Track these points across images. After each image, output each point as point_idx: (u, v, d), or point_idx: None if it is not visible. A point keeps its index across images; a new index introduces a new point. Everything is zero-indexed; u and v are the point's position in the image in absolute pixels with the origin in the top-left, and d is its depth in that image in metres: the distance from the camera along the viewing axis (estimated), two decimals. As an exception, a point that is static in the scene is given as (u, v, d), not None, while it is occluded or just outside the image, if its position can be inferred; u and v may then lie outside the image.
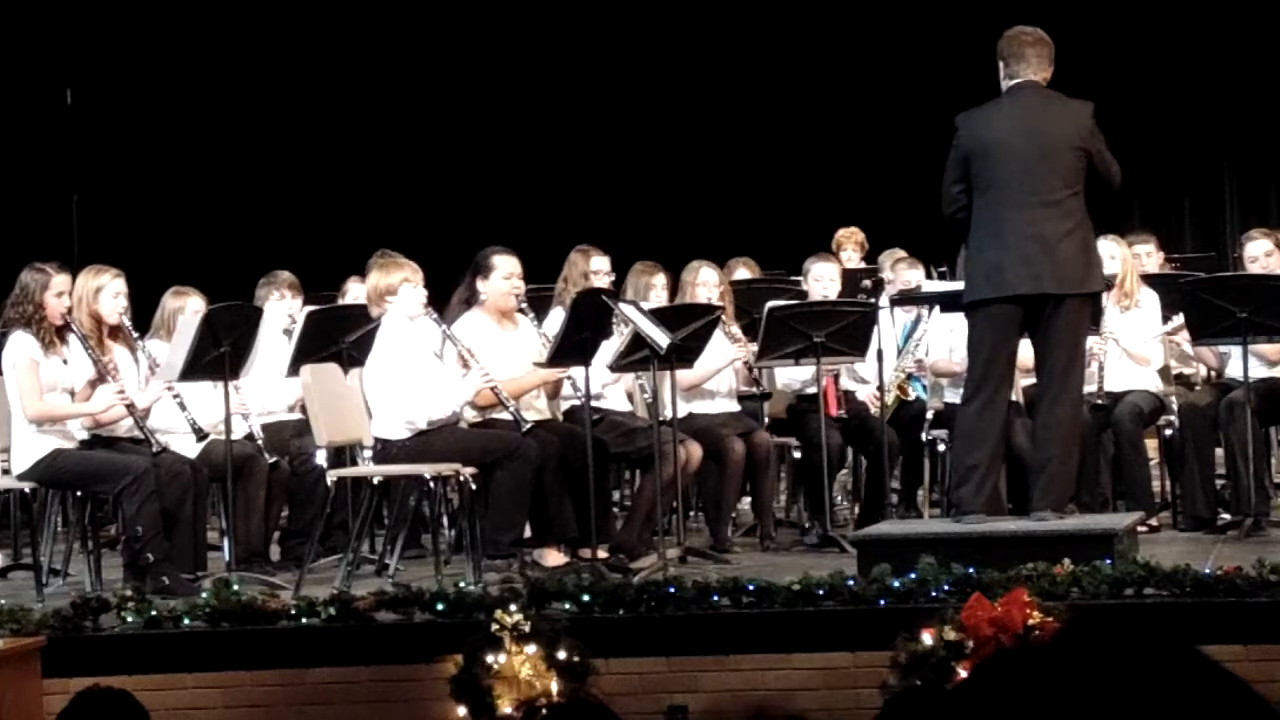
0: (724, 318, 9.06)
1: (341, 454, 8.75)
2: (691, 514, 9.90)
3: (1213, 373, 9.54)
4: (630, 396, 9.17)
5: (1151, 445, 9.41)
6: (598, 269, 9.04)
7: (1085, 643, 1.63)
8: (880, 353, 8.93)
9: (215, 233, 14.36)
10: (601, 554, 8.16)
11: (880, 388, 9.11)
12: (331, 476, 8.41)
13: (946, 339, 9.21)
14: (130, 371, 8.41)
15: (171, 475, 8.06)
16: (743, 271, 11.03)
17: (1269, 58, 14.58)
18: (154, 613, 7.27)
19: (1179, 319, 9.03)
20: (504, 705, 6.73)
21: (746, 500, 9.69)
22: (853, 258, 12.52)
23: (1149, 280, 9.51)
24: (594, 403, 8.49)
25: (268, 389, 9.11)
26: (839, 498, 10.31)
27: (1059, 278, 7.55)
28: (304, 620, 7.21)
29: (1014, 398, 8.88)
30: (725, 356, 9.17)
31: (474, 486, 8.27)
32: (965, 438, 7.83)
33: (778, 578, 7.20)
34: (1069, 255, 7.56)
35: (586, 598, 7.12)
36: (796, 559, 8.52)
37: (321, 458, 8.80)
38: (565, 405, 8.89)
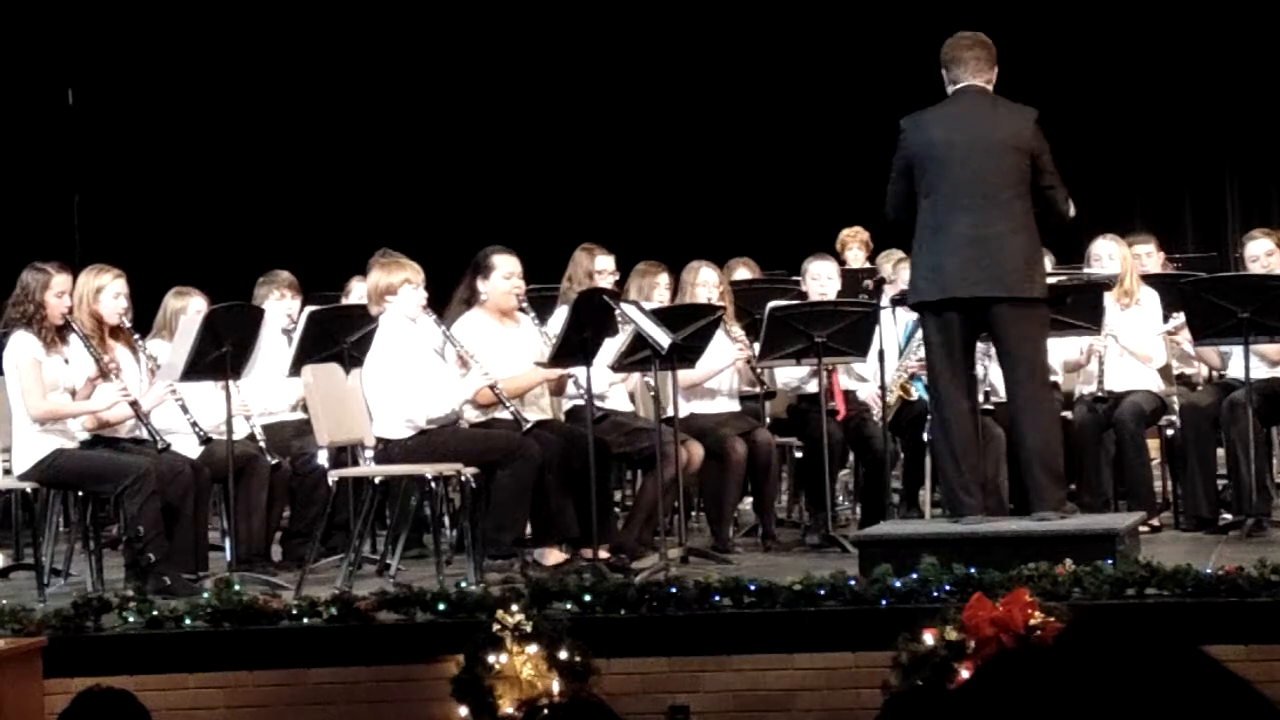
0: (725, 318, 9.07)
1: (343, 454, 8.75)
2: (693, 514, 9.91)
3: (1214, 373, 9.54)
4: (632, 396, 9.17)
5: (1153, 445, 9.41)
6: (602, 268, 9.05)
7: (1087, 643, 1.63)
8: (881, 353, 8.93)
9: (216, 233, 14.37)
10: (603, 554, 8.16)
11: (882, 387, 9.12)
12: (333, 476, 8.42)
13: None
14: (132, 371, 8.41)
15: (173, 474, 8.06)
16: (743, 271, 11.04)
17: (1270, 58, 14.58)
18: (155, 613, 7.27)
19: (1180, 318, 9.03)
20: (505, 705, 6.74)
21: (748, 500, 9.69)
22: (858, 257, 12.55)
23: (1150, 280, 9.51)
24: (597, 402, 8.49)
25: (269, 389, 9.12)
26: (840, 498, 10.31)
27: (998, 280, 7.58)
28: (305, 620, 7.21)
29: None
30: (727, 356, 9.18)
31: (475, 486, 8.27)
32: (940, 442, 7.86)
33: (779, 578, 7.20)
34: (1009, 258, 7.58)
35: (588, 598, 7.12)
36: (798, 559, 8.52)
37: (323, 458, 8.80)
38: (567, 405, 8.89)
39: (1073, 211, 7.87)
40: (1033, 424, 7.70)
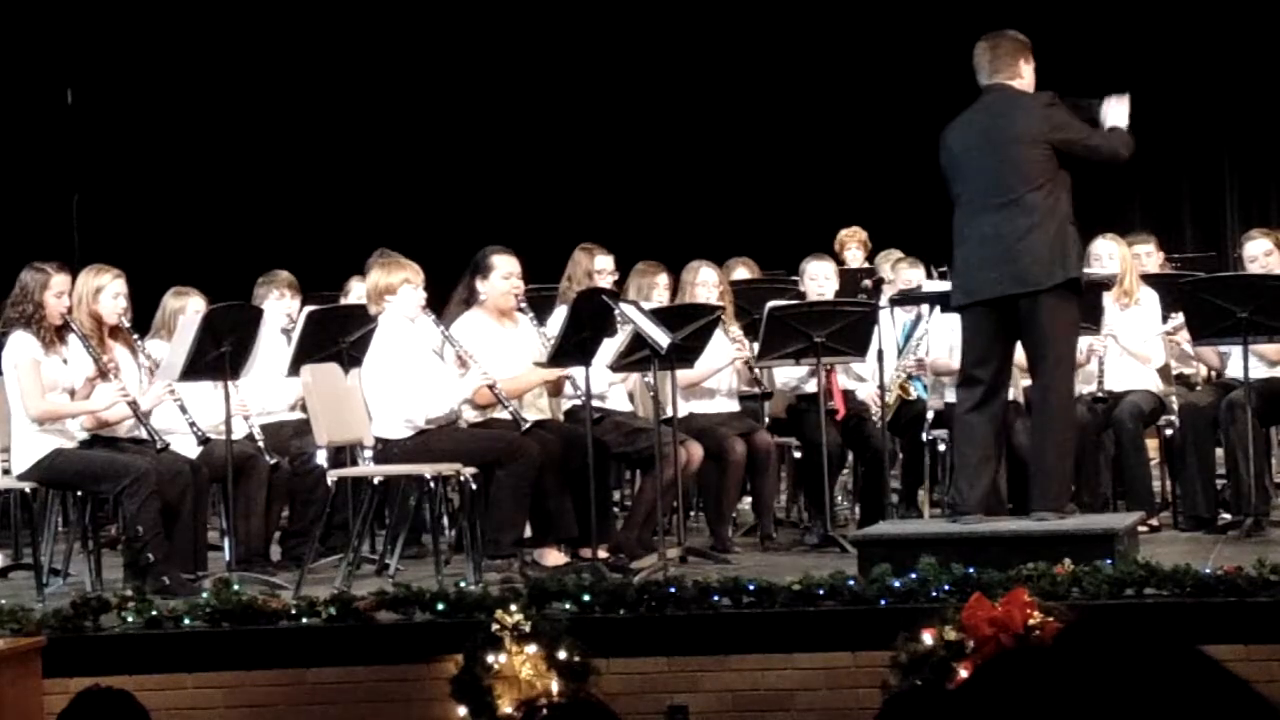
0: (724, 318, 9.07)
1: (342, 454, 8.76)
2: (692, 514, 9.91)
3: (1213, 372, 9.54)
4: (632, 396, 9.17)
5: (1152, 445, 9.42)
6: (601, 268, 9.05)
7: (1086, 643, 1.63)
8: (880, 353, 8.94)
9: (215, 233, 14.37)
10: (602, 554, 8.16)
11: (881, 387, 9.12)
12: (332, 476, 8.42)
13: (947, 338, 9.22)
14: (131, 371, 8.41)
15: (171, 474, 8.06)
16: (742, 271, 11.04)
17: (1270, 57, 14.58)
18: (154, 613, 7.27)
19: (1179, 318, 9.03)
20: (504, 705, 6.73)
21: (747, 500, 9.69)
22: (857, 257, 12.56)
23: (1149, 280, 9.52)
24: (596, 402, 8.49)
25: (268, 389, 9.12)
26: (839, 498, 10.31)
27: (1020, 277, 7.61)
28: (304, 620, 7.21)
29: (1014, 397, 8.90)
30: (725, 356, 9.18)
31: (474, 486, 8.27)
32: (958, 438, 7.93)
33: (778, 578, 7.21)
34: (1030, 253, 7.60)
35: (587, 598, 7.12)
36: (797, 559, 8.52)
37: (322, 458, 8.80)
38: (566, 405, 8.89)
39: (1124, 149, 7.79)
40: (1051, 421, 7.72)
